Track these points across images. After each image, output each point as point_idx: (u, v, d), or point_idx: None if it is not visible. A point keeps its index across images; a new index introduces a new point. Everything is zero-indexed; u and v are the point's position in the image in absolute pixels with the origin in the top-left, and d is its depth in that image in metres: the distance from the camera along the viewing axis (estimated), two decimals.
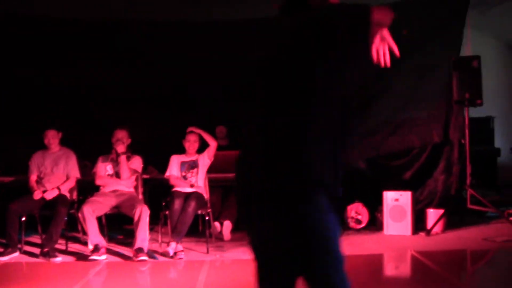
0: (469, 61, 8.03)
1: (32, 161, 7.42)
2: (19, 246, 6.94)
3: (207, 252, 7.01)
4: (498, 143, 10.02)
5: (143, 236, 6.71)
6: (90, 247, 6.73)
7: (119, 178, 7.34)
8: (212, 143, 7.56)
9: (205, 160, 7.55)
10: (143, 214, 6.76)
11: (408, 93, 9.22)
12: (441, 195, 8.81)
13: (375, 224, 8.40)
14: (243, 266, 6.44)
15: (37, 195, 7.08)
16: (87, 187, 7.57)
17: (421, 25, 8.78)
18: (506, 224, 7.61)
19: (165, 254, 6.73)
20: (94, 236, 6.75)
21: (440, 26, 8.85)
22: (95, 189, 7.40)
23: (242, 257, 6.86)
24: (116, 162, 7.39)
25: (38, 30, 9.05)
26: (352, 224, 8.32)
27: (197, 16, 9.01)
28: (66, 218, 7.08)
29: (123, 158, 7.30)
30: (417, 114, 9.25)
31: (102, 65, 9.22)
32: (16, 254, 6.86)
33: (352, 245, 7.41)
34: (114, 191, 7.27)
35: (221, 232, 7.76)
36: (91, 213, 6.76)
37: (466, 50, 8.86)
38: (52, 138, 7.45)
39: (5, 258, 6.70)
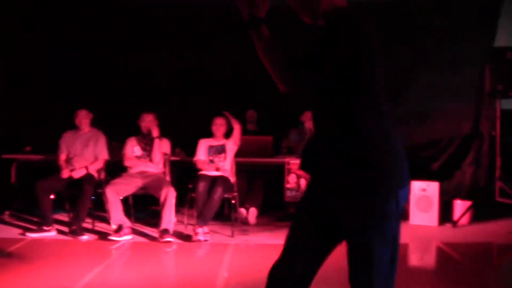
0: (503, 52, 7.91)
1: (62, 140, 7.50)
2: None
3: (232, 235, 7.04)
4: None
5: (169, 217, 6.76)
6: (113, 226, 6.82)
7: (148, 160, 7.39)
8: (236, 126, 7.57)
9: (232, 145, 7.56)
10: (169, 195, 6.80)
11: (439, 84, 9.15)
12: (469, 187, 8.73)
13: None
14: (267, 251, 6.46)
15: (65, 174, 7.16)
16: (115, 168, 7.62)
17: (455, 16, 8.69)
18: None
19: (193, 240, 6.76)
20: (117, 216, 6.82)
21: (474, 16, 8.76)
22: (123, 170, 7.45)
23: (267, 241, 6.90)
24: (145, 144, 7.45)
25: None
26: None
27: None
28: (93, 198, 7.18)
29: (156, 141, 7.37)
30: (447, 105, 9.18)
31: (133, 49, 9.27)
32: (53, 233, 6.97)
33: None
34: (141, 172, 7.32)
35: (246, 218, 7.77)
36: (114, 195, 6.82)
37: (501, 41, 8.74)
38: (84, 118, 7.52)
39: (37, 235, 6.82)
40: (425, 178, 8.09)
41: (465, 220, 7.86)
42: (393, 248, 2.49)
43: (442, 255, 6.65)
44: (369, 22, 2.44)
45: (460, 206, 7.98)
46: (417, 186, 7.96)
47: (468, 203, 7.95)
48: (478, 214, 7.97)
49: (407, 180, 2.52)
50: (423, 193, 7.91)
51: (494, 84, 7.81)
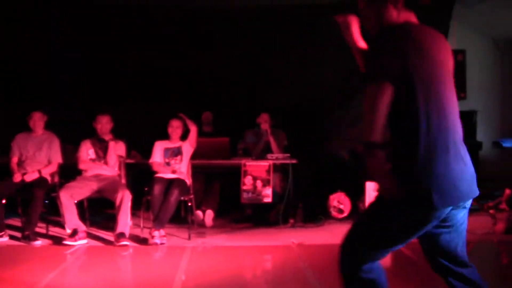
0: (454, 54, 8.01)
1: (15, 142, 7.35)
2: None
3: (189, 238, 6.99)
4: (480, 137, 10.03)
5: (124, 221, 6.70)
6: (68, 231, 6.71)
7: (103, 163, 7.31)
8: (192, 128, 7.54)
9: (188, 147, 7.52)
10: (125, 199, 6.73)
11: None
12: None
13: (357, 213, 8.42)
14: (224, 253, 6.47)
15: (17, 178, 7.02)
16: (69, 171, 7.51)
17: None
18: (486, 217, 7.64)
19: (150, 243, 6.70)
20: (71, 220, 6.71)
21: (426, 19, 8.85)
22: (78, 173, 7.35)
23: (224, 243, 6.89)
24: (99, 147, 7.37)
25: None
26: (334, 213, 8.33)
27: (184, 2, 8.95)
28: (46, 202, 7.05)
29: (111, 144, 7.32)
30: None
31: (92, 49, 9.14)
32: (5, 239, 6.79)
33: (334, 234, 7.42)
34: (96, 175, 7.23)
35: (203, 220, 7.74)
36: (68, 198, 6.72)
37: (452, 44, 8.82)
38: (38, 120, 7.38)
39: None
40: None
41: None
42: None
43: (397, 253, 6.69)
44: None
45: None
46: (371, 186, 8.02)
47: None
48: None
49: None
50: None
51: None
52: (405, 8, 3.00)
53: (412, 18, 3.02)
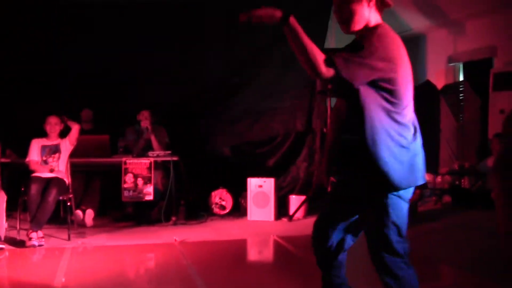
0: (333, 53, 8.22)
1: None
2: None
3: (69, 238, 6.83)
4: None
5: None
6: None
7: None
8: (75, 126, 7.36)
9: (67, 145, 7.33)
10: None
11: (272, 83, 9.42)
12: (303, 182, 9.05)
13: (239, 210, 8.52)
14: (106, 252, 6.38)
15: None
16: None
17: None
18: None
19: (27, 246, 6.46)
20: None
21: (306, 17, 9.02)
22: None
23: (105, 243, 6.79)
24: None
25: None
26: (216, 210, 8.39)
27: None
28: None
29: None
30: (280, 103, 9.49)
31: None
32: None
33: (216, 231, 7.49)
34: None
35: (83, 220, 7.58)
36: None
37: (331, 42, 9.11)
38: None
39: None
40: (262, 174, 8.30)
41: (300, 214, 8.15)
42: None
43: (279, 248, 6.85)
44: None
45: (295, 201, 8.27)
46: (254, 183, 8.15)
47: (302, 198, 8.25)
48: (312, 208, 8.28)
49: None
50: (260, 189, 8.11)
51: (325, 83, 8.14)
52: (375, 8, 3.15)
53: (380, 19, 3.17)
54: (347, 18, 3.13)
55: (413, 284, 3.13)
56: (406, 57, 3.04)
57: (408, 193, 3.02)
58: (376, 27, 3.05)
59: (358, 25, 3.11)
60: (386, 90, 2.94)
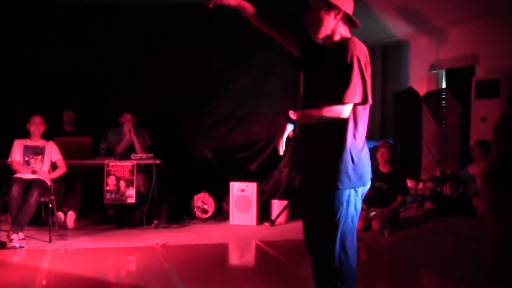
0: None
1: None
2: None
3: (50, 240, 6.80)
4: None
5: None
6: None
7: None
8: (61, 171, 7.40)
9: (53, 155, 7.29)
10: None
11: (253, 87, 9.44)
12: (285, 187, 9.05)
13: (221, 214, 8.52)
14: (87, 255, 6.35)
15: None
16: None
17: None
18: None
19: (8, 247, 6.42)
20: None
21: (287, 22, 9.04)
22: None
23: (86, 245, 6.77)
24: None
25: None
26: (198, 213, 8.38)
27: None
28: None
29: None
30: (262, 107, 9.49)
31: None
32: None
33: (198, 234, 7.48)
34: None
35: (64, 222, 7.54)
36: None
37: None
38: None
39: None
40: (244, 178, 8.29)
41: (282, 218, 8.17)
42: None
43: (261, 253, 6.87)
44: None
45: (277, 206, 8.28)
46: (236, 187, 8.15)
47: (284, 203, 8.27)
48: (294, 213, 8.30)
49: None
50: (242, 194, 8.11)
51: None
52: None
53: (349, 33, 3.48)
54: (314, 24, 3.42)
55: None
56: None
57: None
58: (347, 40, 3.31)
59: (323, 33, 3.41)
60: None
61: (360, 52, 3.21)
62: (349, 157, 3.27)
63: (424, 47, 11.17)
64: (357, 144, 3.31)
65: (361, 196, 3.42)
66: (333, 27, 3.37)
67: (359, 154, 3.33)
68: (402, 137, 10.86)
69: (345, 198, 3.31)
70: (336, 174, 3.28)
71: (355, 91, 3.17)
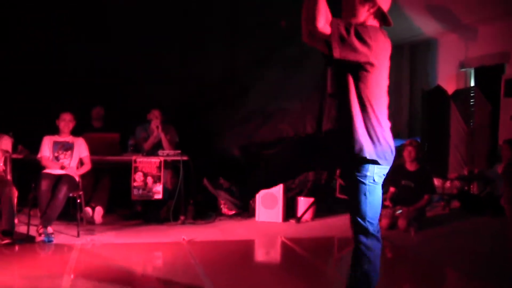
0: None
1: None
2: None
3: (78, 235, 6.87)
4: None
5: (9, 218, 6.46)
6: None
7: None
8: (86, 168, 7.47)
9: (81, 151, 7.37)
10: (10, 195, 6.51)
11: (282, 84, 9.42)
12: (311, 184, 9.05)
13: (247, 210, 8.53)
14: (114, 250, 6.40)
15: None
16: None
17: (299, 14, 8.95)
18: None
19: (37, 241, 6.50)
20: None
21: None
22: None
23: (113, 241, 6.82)
24: None
25: None
26: (224, 210, 8.40)
27: None
28: None
29: None
30: (290, 104, 9.48)
31: None
32: None
33: (224, 231, 7.51)
34: None
35: (92, 217, 7.62)
36: None
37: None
38: None
39: None
40: None
41: (308, 216, 8.17)
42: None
43: (287, 250, 6.88)
44: None
45: (303, 203, 8.28)
46: None
47: (310, 200, 8.27)
48: (320, 210, 8.30)
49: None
50: (268, 191, 8.11)
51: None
52: None
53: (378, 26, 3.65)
54: (347, 11, 3.60)
55: None
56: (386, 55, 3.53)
57: None
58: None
59: (355, 20, 3.50)
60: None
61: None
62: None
63: (453, 45, 11.06)
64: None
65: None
66: (365, 18, 3.53)
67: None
68: (429, 135, 10.78)
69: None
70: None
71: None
